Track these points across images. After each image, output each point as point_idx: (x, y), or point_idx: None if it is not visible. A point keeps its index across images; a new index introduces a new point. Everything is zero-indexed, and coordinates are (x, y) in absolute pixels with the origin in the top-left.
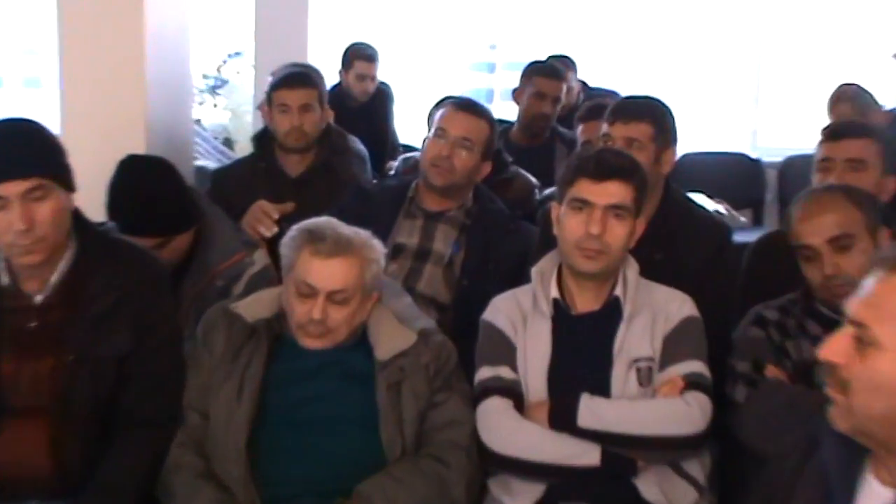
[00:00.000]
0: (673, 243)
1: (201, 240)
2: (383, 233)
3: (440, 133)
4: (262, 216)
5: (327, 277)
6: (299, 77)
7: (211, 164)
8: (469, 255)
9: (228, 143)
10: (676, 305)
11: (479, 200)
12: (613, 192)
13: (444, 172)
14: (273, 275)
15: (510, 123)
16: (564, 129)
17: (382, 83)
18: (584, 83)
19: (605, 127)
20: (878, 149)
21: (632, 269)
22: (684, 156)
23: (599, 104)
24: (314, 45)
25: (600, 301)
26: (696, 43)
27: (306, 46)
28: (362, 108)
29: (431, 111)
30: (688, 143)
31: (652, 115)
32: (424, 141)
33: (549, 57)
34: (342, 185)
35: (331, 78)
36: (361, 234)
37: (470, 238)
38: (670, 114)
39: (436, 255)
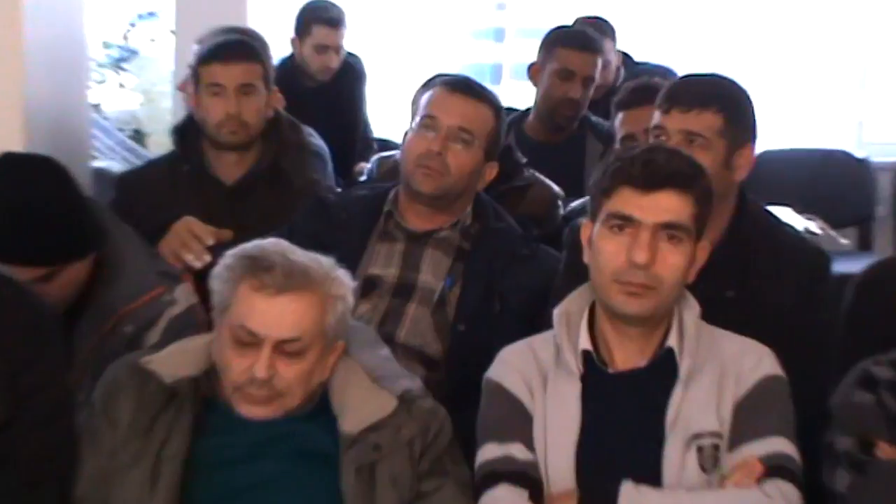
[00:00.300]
0: (748, 276)
1: (102, 270)
2: (351, 261)
3: (428, 122)
4: (189, 240)
5: (275, 321)
6: (237, 47)
7: (115, 165)
8: (467, 291)
9: (139, 136)
10: (752, 361)
11: (482, 216)
12: (666, 205)
13: (433, 175)
14: (201, 318)
15: (524, 112)
16: (599, 119)
17: (351, 56)
18: (625, 56)
19: (656, 116)
20: None
21: (690, 311)
22: (764, 154)
23: (647, 85)
24: (256, 2)
25: (647, 355)
26: (781, 4)
27: (246, 5)
28: (323, 89)
29: (417, 94)
30: (769, 138)
31: (721, 100)
32: (406, 134)
33: (579, 20)
34: (295, 196)
35: (280, 49)
36: (322, 262)
37: (469, 267)
38: (747, 99)
39: (422, 290)
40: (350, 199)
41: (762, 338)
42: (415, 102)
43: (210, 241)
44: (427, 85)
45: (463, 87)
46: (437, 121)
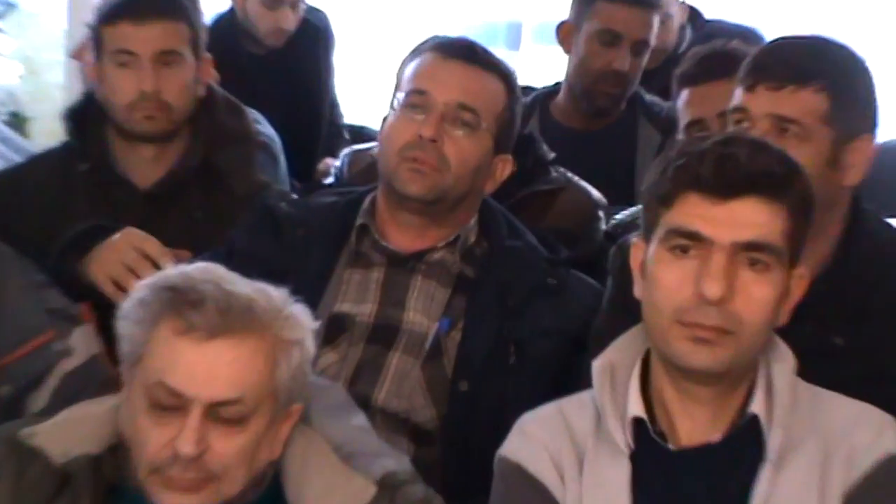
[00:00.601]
0: (864, 317)
1: None
2: (312, 294)
3: (417, 100)
4: (137, 261)
5: (207, 376)
6: (154, 1)
7: None
8: (471, 336)
9: (17, 121)
10: (870, 434)
11: (491, 231)
12: (749, 219)
13: (425, 171)
14: (106, 374)
15: (552, 89)
16: (655, 98)
17: (313, 11)
18: (693, 11)
19: (737, 95)
20: None
21: (782, 364)
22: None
23: (722, 52)
24: None
25: (723, 425)
26: None
27: None
28: (274, 58)
29: (402, 64)
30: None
31: (826, 74)
32: (387, 118)
33: None
34: (235, 205)
35: (215, 2)
36: (272, 294)
37: (473, 303)
38: (864, 72)
39: (409, 335)
40: (310, 209)
41: (883, 402)
42: (399, 75)
43: (167, 264)
44: (415, 51)
45: (463, 53)
46: (428, 97)
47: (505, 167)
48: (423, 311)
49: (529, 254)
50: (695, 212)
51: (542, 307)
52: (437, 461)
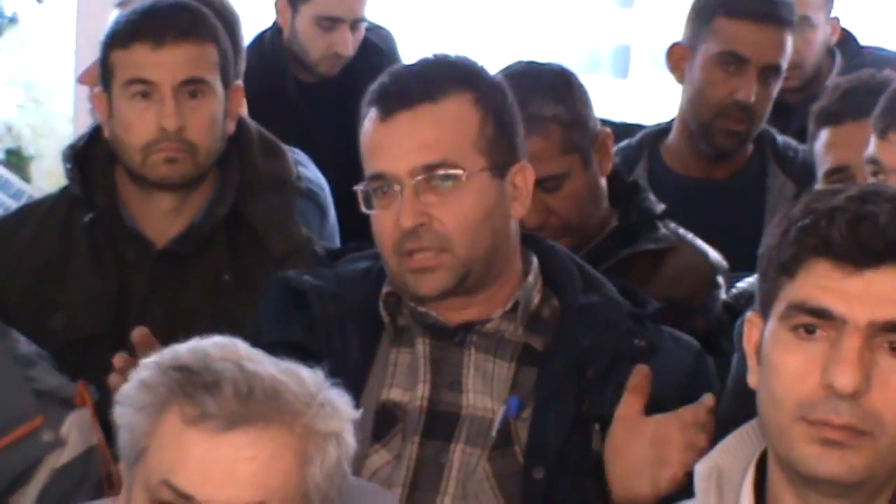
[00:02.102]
0: None
1: None
2: (352, 380)
3: (379, 184)
4: None
5: (222, 476)
6: (175, 18)
7: None
8: (545, 416)
9: (18, 160)
10: None
11: (561, 285)
12: (889, 293)
13: (430, 265)
14: (104, 471)
15: (664, 127)
16: (789, 140)
17: (376, 30)
18: (847, 34)
19: (872, 143)
20: None
21: None
22: None
23: (871, 84)
24: None
25: None
26: None
27: None
28: (329, 86)
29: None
30: None
31: None
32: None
33: None
34: (270, 265)
35: (255, 19)
36: (303, 376)
37: (544, 377)
38: None
39: (471, 420)
40: (340, 279)
41: None
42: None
43: None
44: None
45: (399, 97)
46: (388, 178)
47: (526, 176)
48: (483, 391)
49: (611, 310)
50: (824, 284)
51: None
52: None
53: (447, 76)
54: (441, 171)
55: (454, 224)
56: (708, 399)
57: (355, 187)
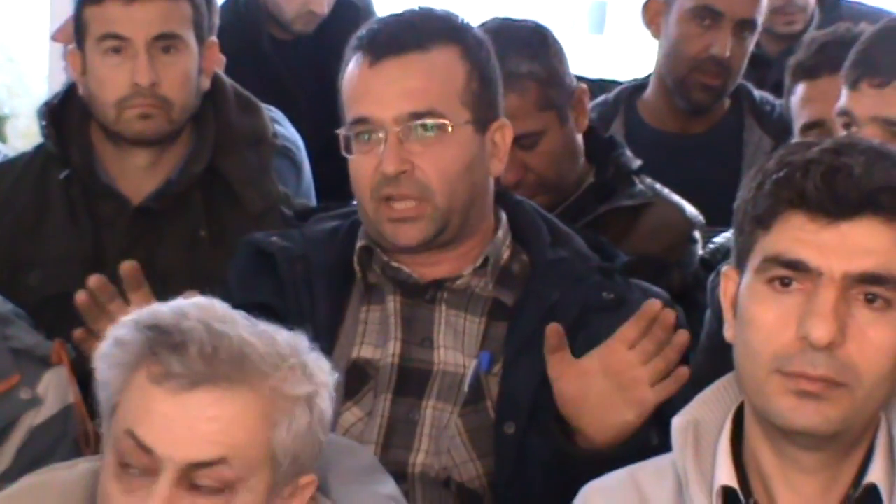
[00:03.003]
0: None
1: None
2: (323, 339)
3: (363, 128)
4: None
5: (183, 432)
6: None
7: None
8: (515, 371)
9: None
10: None
11: (530, 240)
12: (864, 244)
13: (411, 214)
14: (83, 429)
15: (640, 83)
16: (766, 95)
17: None
18: None
19: (843, 95)
20: None
21: None
22: None
23: (847, 38)
24: None
25: (833, 496)
26: None
27: None
28: (304, 44)
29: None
30: None
31: None
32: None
33: None
34: (246, 221)
35: None
36: (277, 339)
37: (515, 332)
38: None
39: (442, 377)
40: (307, 239)
41: None
42: (340, 89)
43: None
44: (346, 56)
45: (388, 45)
46: (373, 122)
47: (504, 134)
48: (454, 346)
49: (579, 264)
50: (799, 236)
51: (599, 328)
52: None
53: (437, 28)
54: (427, 120)
55: (436, 173)
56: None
57: (337, 131)
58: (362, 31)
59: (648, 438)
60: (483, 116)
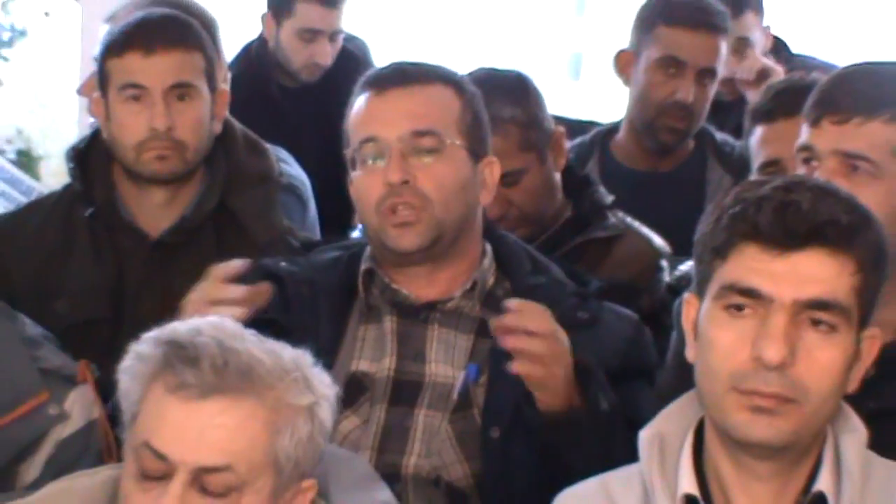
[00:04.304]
0: None
1: None
2: (325, 354)
3: (371, 149)
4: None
5: (193, 438)
6: (164, 28)
7: None
8: (501, 382)
9: (27, 160)
10: None
11: (512, 269)
12: (811, 273)
13: (411, 220)
14: (105, 442)
15: (613, 126)
16: (727, 137)
17: (352, 39)
18: (778, 42)
19: (802, 131)
20: None
21: (852, 435)
22: None
23: (801, 86)
24: None
25: (785, 503)
26: None
27: None
28: (307, 92)
29: (346, 115)
30: None
31: None
32: (351, 180)
33: None
34: (254, 253)
35: (242, 27)
36: (283, 355)
37: (500, 347)
38: None
39: (433, 387)
40: (312, 265)
41: None
42: (346, 129)
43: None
44: (352, 98)
45: (395, 78)
46: (380, 141)
47: (493, 170)
48: (444, 360)
49: (556, 290)
50: (752, 266)
51: (574, 344)
52: None
53: (435, 70)
54: (428, 138)
55: (434, 186)
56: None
57: (345, 150)
58: (368, 74)
59: (598, 402)
60: (476, 148)
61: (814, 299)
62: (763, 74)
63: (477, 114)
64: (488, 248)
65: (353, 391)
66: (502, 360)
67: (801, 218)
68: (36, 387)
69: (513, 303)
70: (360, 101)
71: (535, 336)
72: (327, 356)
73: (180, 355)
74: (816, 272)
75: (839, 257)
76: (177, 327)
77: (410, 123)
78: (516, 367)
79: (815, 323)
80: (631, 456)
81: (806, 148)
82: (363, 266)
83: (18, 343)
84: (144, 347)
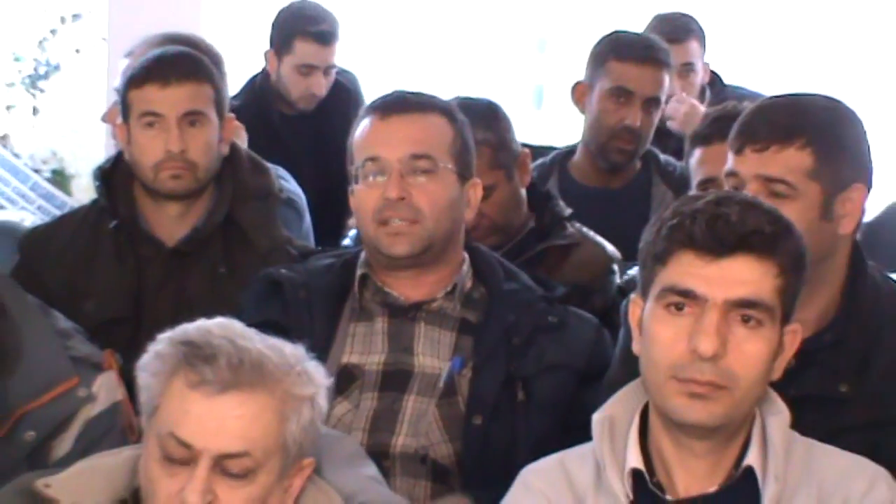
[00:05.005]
0: (868, 366)
1: None
2: (319, 350)
3: (372, 166)
4: None
5: (215, 429)
6: (178, 63)
7: (26, 217)
8: (483, 374)
9: (61, 179)
10: (863, 485)
11: (487, 276)
12: (740, 276)
13: (404, 230)
14: (128, 421)
15: (570, 149)
16: (669, 158)
17: (343, 73)
18: (715, 75)
19: (728, 159)
20: None
21: (777, 417)
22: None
23: (733, 113)
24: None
25: (719, 477)
26: None
27: (199, 4)
28: (304, 119)
29: (351, 135)
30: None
31: (807, 130)
32: (351, 192)
33: (656, 17)
34: (257, 259)
35: (246, 63)
36: (286, 351)
37: (480, 344)
38: (850, 124)
39: (422, 376)
40: (309, 271)
41: (885, 447)
42: (350, 148)
43: None
44: (357, 121)
45: (397, 106)
46: (382, 160)
47: (476, 191)
48: (431, 354)
49: (528, 294)
50: (688, 270)
51: (546, 344)
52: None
53: (432, 101)
54: (424, 161)
55: (427, 203)
56: None
57: (349, 167)
58: (372, 102)
59: None
60: (464, 171)
61: (742, 299)
62: (689, 116)
63: (466, 141)
64: (466, 256)
65: (344, 381)
66: (485, 356)
67: (729, 228)
68: (67, 372)
69: None
70: (364, 123)
71: None
72: (321, 351)
73: (198, 354)
74: (744, 275)
75: (764, 262)
76: (188, 329)
77: (409, 147)
78: None
79: (744, 320)
80: None
81: (732, 174)
82: (359, 271)
83: (52, 334)
84: (161, 347)
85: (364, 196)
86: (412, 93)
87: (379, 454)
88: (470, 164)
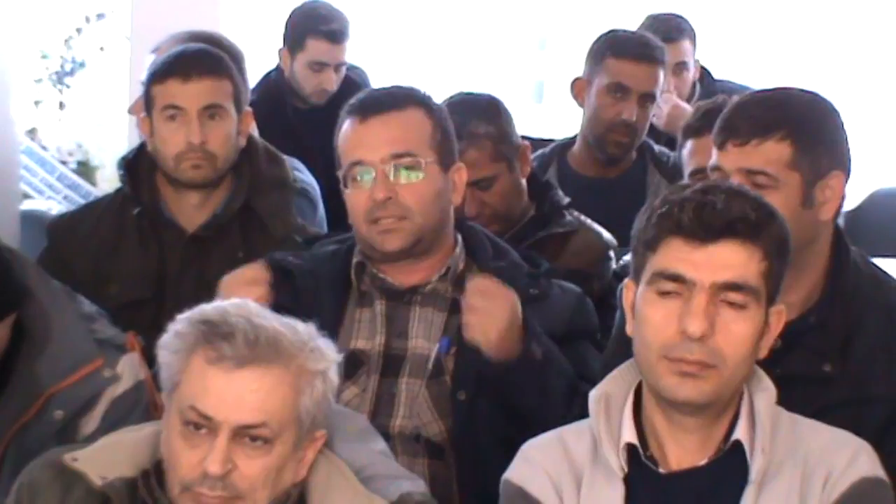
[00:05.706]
0: (852, 347)
1: (24, 339)
2: (327, 335)
3: (358, 170)
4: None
5: (234, 402)
6: (199, 59)
7: (55, 206)
8: (466, 351)
9: (86, 170)
10: (846, 458)
11: (478, 254)
12: (726, 261)
13: (394, 228)
14: (151, 399)
15: (569, 140)
16: (663, 149)
17: (353, 68)
18: (704, 71)
19: (713, 154)
20: None
21: (764, 393)
22: (875, 195)
23: (722, 106)
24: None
25: (709, 450)
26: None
27: (218, 3)
28: (316, 113)
29: (336, 137)
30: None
31: (785, 123)
32: (346, 194)
33: (650, 17)
34: (272, 245)
35: (261, 60)
36: (299, 329)
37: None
38: (827, 115)
39: (413, 359)
40: (315, 259)
41: (867, 424)
42: (336, 149)
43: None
44: (337, 126)
45: (374, 107)
46: (365, 163)
47: (461, 175)
48: (424, 336)
49: (514, 271)
50: (677, 255)
51: (527, 315)
52: (449, 477)
53: (407, 95)
54: (406, 159)
55: (414, 199)
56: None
57: (337, 172)
58: (351, 102)
59: (532, 351)
60: (445, 160)
61: (728, 282)
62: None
63: (445, 129)
64: (459, 238)
65: (353, 365)
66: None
67: (716, 215)
68: (93, 354)
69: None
70: (346, 127)
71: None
72: (329, 337)
73: (217, 332)
74: (730, 260)
75: (749, 247)
76: (205, 309)
77: (390, 147)
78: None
79: (730, 302)
80: (565, 392)
81: (716, 168)
82: (354, 259)
83: (78, 318)
84: (181, 326)
85: (354, 198)
86: (387, 90)
87: (382, 436)
88: (452, 151)
